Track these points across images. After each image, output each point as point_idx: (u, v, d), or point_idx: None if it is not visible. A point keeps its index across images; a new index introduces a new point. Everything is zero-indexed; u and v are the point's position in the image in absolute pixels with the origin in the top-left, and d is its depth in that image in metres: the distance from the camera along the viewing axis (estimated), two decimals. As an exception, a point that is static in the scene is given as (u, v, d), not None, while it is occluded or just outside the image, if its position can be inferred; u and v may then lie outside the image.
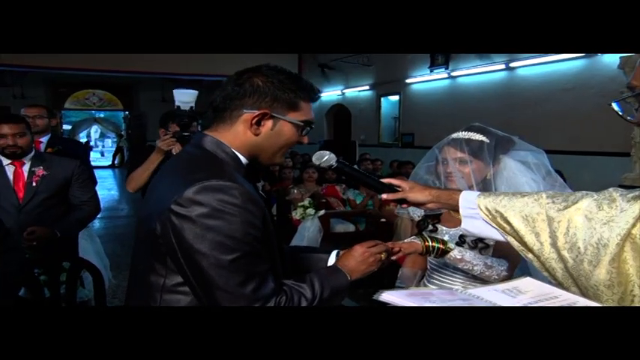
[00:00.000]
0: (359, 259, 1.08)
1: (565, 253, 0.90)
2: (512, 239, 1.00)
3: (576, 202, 0.92)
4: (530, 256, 0.98)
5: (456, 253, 1.34)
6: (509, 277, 1.39)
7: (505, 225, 1.00)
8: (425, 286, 1.59)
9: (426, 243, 1.31)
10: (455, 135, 1.45)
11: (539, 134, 5.20)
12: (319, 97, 1.06)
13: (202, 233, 0.85)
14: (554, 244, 0.92)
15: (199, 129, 2.41)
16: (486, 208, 1.03)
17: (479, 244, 1.41)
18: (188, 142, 2.02)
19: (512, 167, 1.42)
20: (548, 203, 0.95)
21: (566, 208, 0.93)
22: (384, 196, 1.15)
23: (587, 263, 0.86)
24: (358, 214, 4.60)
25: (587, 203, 0.91)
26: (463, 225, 1.07)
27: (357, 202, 4.84)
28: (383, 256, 1.11)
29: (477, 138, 1.41)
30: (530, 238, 0.96)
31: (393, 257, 1.20)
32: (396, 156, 6.97)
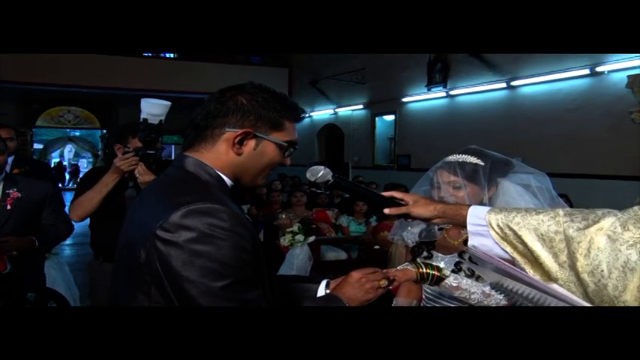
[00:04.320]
0: (356, 286, 1.09)
1: (585, 276, 0.87)
2: (524, 260, 0.98)
3: (598, 221, 0.89)
4: (543, 279, 0.96)
5: (451, 280, 1.35)
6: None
7: (518, 244, 0.98)
8: (420, 317, 1.60)
9: (420, 270, 1.32)
10: (449, 158, 1.49)
11: (543, 156, 5.29)
12: (304, 117, 1.09)
13: (191, 259, 0.85)
14: (572, 267, 0.90)
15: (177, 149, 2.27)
16: (498, 226, 1.00)
17: (475, 272, 1.42)
18: (153, 161, 1.97)
19: (512, 191, 1.44)
20: (566, 222, 0.93)
21: (586, 227, 0.89)
22: (387, 210, 1.15)
23: (611, 288, 0.84)
24: (350, 240, 4.60)
25: (610, 222, 0.87)
26: (470, 242, 1.06)
27: (351, 228, 4.86)
28: (382, 283, 1.12)
29: (471, 161, 1.44)
30: (547, 260, 0.93)
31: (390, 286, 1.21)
32: (391, 179, 7.01)
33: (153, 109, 1.91)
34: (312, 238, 4.16)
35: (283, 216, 4.69)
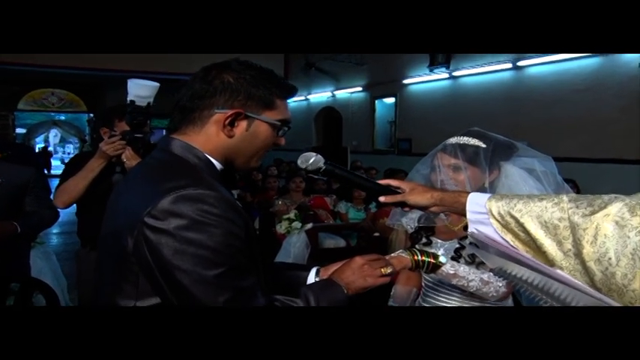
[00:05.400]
0: (357, 272, 1.09)
1: (592, 264, 0.87)
2: (526, 249, 0.98)
3: (604, 207, 0.89)
4: None
5: (448, 267, 1.35)
6: (507, 295, 1.43)
7: (520, 232, 0.98)
8: (420, 306, 1.61)
9: (415, 257, 1.32)
10: (449, 140, 1.49)
11: (549, 140, 5.26)
12: (295, 93, 1.09)
13: (182, 248, 0.85)
14: (578, 255, 0.90)
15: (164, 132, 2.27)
16: (499, 213, 1.01)
17: (476, 258, 1.43)
18: (141, 145, 1.97)
19: (515, 175, 1.44)
20: (571, 208, 0.92)
21: (592, 213, 0.89)
22: (382, 198, 1.15)
23: (620, 277, 0.84)
24: (349, 227, 4.62)
25: (617, 208, 0.87)
26: (470, 230, 1.06)
27: (349, 215, 4.88)
28: (385, 270, 1.13)
29: (472, 143, 1.45)
30: (551, 248, 0.93)
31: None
32: (391, 164, 7.03)
33: (140, 90, 1.89)
34: (309, 225, 4.17)
35: (279, 202, 4.70)
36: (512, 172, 1.45)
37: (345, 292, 1.05)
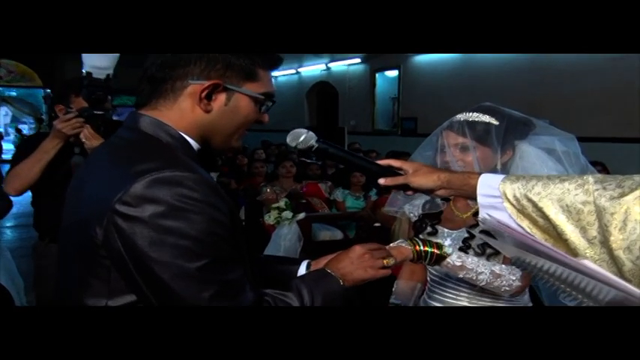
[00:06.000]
0: (357, 262, 1.10)
1: (620, 253, 0.88)
2: (545, 237, 0.98)
3: (636, 189, 0.88)
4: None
5: (454, 259, 1.36)
6: (523, 289, 1.45)
7: (538, 218, 0.98)
8: (425, 303, 1.64)
9: (417, 247, 1.33)
10: (457, 117, 1.50)
11: (575, 117, 5.23)
12: (281, 64, 1.09)
13: (160, 238, 0.85)
14: (604, 243, 0.90)
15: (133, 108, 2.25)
16: (514, 197, 1.00)
17: (487, 249, 1.46)
18: (101, 123, 1.96)
19: (532, 156, 1.46)
20: (597, 190, 0.92)
21: (622, 196, 0.89)
22: (382, 181, 1.16)
23: None
24: (347, 217, 4.65)
25: None
26: (481, 216, 1.06)
27: (347, 204, 4.90)
28: (387, 262, 1.14)
29: (483, 120, 1.45)
30: (573, 235, 0.93)
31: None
32: (394, 146, 7.01)
33: (97, 60, 1.89)
34: (301, 215, 4.20)
35: (268, 190, 4.71)
36: (528, 153, 1.46)
37: (342, 283, 1.07)
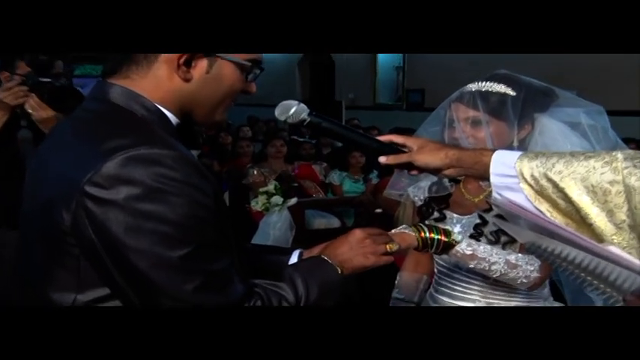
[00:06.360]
0: (357, 247, 1.11)
1: None
2: (567, 222, 0.98)
3: None
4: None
5: (463, 247, 1.37)
6: (542, 281, 1.46)
7: (559, 200, 0.98)
8: (432, 297, 1.65)
9: (422, 234, 1.33)
10: (468, 87, 1.49)
11: (607, 89, 5.19)
12: None
13: (137, 223, 0.85)
14: (634, 227, 0.90)
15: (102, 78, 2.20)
16: (531, 176, 1.00)
17: (502, 236, 1.46)
18: (48, 92, 1.94)
19: (553, 131, 1.45)
20: (626, 168, 0.92)
21: None
22: (383, 159, 1.15)
23: None
24: (344, 203, 4.67)
25: None
26: (494, 198, 1.06)
27: (345, 187, 4.91)
28: (390, 247, 1.15)
29: (497, 90, 1.45)
30: (598, 219, 0.93)
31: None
32: (398, 121, 7.00)
33: None
34: (293, 201, 4.20)
35: (255, 172, 4.71)
36: (549, 127, 1.46)
37: (340, 272, 1.08)
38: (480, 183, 1.50)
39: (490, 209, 1.43)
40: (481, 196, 1.54)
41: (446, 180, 1.53)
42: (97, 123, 0.97)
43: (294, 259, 1.22)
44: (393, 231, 1.35)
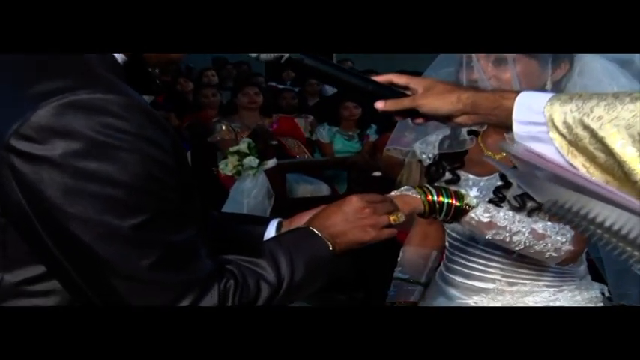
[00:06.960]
0: (353, 219, 1.11)
1: None
2: (606, 179, 0.99)
3: None
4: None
5: (479, 212, 1.36)
6: (575, 255, 1.47)
7: (597, 152, 0.98)
8: (442, 277, 1.67)
9: (429, 197, 1.32)
10: None
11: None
12: None
13: (78, 185, 0.85)
14: None
15: None
16: (564, 123, 0.99)
17: (528, 202, 1.46)
18: None
19: (596, 70, 1.46)
20: None
21: None
22: (380, 104, 1.14)
23: None
24: (335, 165, 4.69)
25: None
26: (515, 150, 1.06)
27: (336, 146, 4.91)
28: (395, 218, 1.16)
29: None
30: None
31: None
32: (402, 63, 6.99)
33: None
34: (271, 163, 4.23)
35: (223, 127, 4.71)
36: (592, 66, 1.47)
37: (330, 247, 1.08)
38: (505, 135, 1.50)
39: (515, 168, 1.43)
40: (503, 153, 1.53)
41: (463, 132, 1.52)
42: (23, 62, 0.96)
43: (271, 230, 1.23)
44: (392, 193, 1.34)
